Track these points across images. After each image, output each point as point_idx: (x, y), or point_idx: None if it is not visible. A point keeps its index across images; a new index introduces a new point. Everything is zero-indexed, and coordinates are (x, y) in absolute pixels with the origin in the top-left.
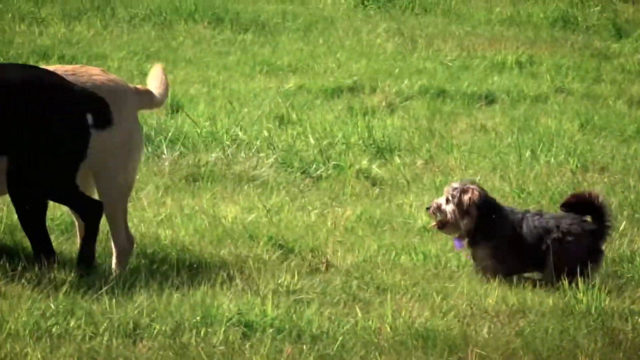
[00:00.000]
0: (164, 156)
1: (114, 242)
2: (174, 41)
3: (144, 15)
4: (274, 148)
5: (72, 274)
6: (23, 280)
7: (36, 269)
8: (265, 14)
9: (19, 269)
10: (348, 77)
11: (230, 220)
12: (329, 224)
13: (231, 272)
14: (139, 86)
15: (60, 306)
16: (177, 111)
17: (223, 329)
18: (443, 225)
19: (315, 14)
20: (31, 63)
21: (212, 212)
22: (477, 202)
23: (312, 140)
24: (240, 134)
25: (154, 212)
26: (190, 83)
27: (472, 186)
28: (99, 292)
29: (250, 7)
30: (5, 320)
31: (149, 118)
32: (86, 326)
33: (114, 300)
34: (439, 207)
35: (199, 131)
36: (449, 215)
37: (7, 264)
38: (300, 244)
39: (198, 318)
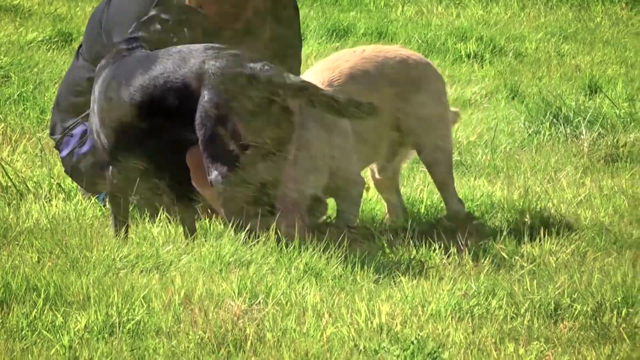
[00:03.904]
0: (582, 137)
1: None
2: (591, 22)
3: None
4: None
5: (490, 257)
6: (444, 262)
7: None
8: None
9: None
10: None
11: None
12: None
13: None
14: None
15: (482, 287)
16: (596, 92)
17: None
18: None
19: None
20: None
21: (631, 193)
22: None
23: None
24: None
25: (573, 192)
26: (608, 64)
27: None
28: (520, 274)
29: None
30: (427, 301)
31: (567, 99)
32: (507, 307)
33: (534, 281)
34: None
35: (617, 112)
36: None
37: (438, 248)
38: None
39: (619, 299)
